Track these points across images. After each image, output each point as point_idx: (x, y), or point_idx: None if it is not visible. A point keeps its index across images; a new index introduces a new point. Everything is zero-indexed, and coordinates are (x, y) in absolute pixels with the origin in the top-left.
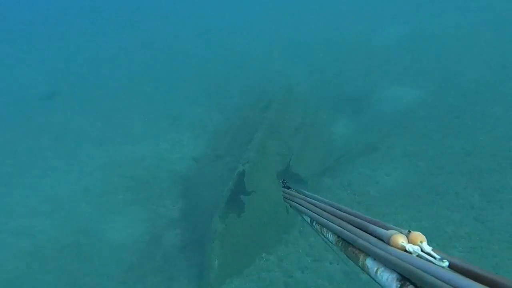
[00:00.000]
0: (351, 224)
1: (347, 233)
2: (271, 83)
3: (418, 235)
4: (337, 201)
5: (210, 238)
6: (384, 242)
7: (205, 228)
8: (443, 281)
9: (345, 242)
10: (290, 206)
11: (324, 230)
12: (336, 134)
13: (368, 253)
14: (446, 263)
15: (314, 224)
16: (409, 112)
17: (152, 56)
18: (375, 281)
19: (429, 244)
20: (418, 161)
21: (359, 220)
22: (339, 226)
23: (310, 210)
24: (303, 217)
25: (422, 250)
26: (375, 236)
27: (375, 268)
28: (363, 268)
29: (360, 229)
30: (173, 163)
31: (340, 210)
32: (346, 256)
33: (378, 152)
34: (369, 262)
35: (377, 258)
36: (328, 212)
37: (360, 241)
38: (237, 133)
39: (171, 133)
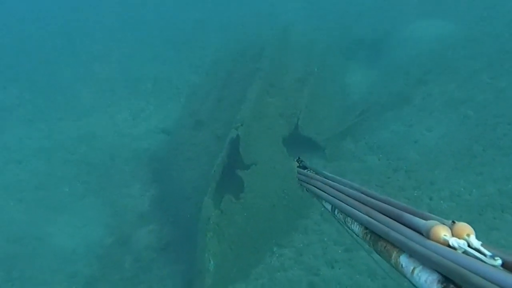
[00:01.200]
0: (382, 213)
1: (377, 223)
2: (259, 26)
3: (464, 227)
4: (367, 170)
5: (201, 231)
6: (423, 235)
7: (191, 219)
8: (495, 283)
9: (375, 235)
10: (307, 191)
11: (349, 220)
12: (352, 86)
13: (402, 249)
14: (499, 262)
15: (336, 212)
16: (446, 51)
17: (97, 3)
18: (411, 282)
19: (477, 237)
20: (466, 110)
21: (391, 208)
22: (367, 215)
23: (331, 196)
24: (322, 204)
25: (469, 246)
26: (411, 228)
27: (411, 267)
28: (396, 267)
29: (393, 219)
30: (136, 139)
31: (368, 195)
32: (376, 252)
33: (411, 103)
34: (403, 260)
35: (413, 254)
36: (353, 198)
37: (393, 233)
38: (222, 92)
39: (130, 100)
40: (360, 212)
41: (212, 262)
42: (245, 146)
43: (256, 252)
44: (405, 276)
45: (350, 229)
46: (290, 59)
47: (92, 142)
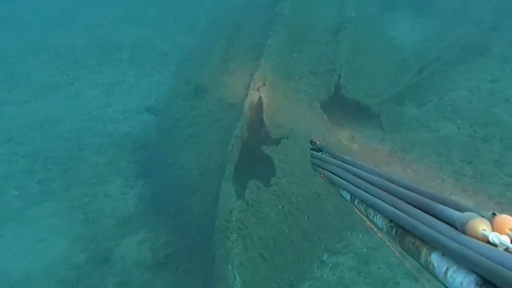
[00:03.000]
0: (410, 203)
1: (404, 216)
2: None
3: (507, 220)
4: (443, 141)
5: (220, 233)
6: (458, 229)
7: (202, 218)
8: None
9: (401, 229)
10: (323, 177)
11: (371, 211)
12: (399, 39)
13: (433, 246)
14: None
15: (356, 202)
16: None
17: None
18: (444, 285)
19: None
20: None
21: (421, 198)
22: (392, 206)
23: (350, 183)
24: (340, 194)
25: None
26: (444, 221)
27: (444, 267)
28: (427, 267)
29: (423, 210)
30: (112, 122)
31: (394, 183)
32: (402, 249)
33: (487, 54)
34: (435, 258)
35: (446, 252)
36: (376, 186)
37: (423, 227)
38: (229, 51)
39: (101, 73)
40: (384, 202)
41: (237, 278)
42: (271, 114)
43: (300, 261)
44: (437, 278)
45: (372, 222)
46: (315, 5)
47: (50, 129)
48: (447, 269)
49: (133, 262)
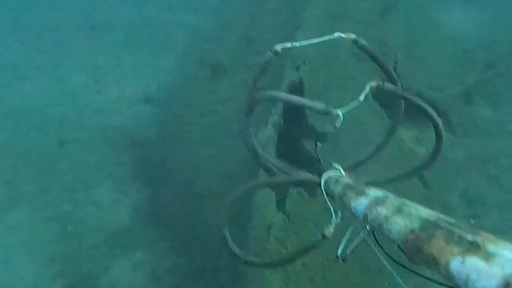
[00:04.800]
0: None
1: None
2: None
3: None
4: None
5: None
6: None
7: (224, 237)
8: None
9: (417, 243)
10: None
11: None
12: (456, 28)
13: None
14: None
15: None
16: None
17: None
18: None
19: None
20: None
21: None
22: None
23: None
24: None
25: None
26: None
27: (464, 275)
28: (448, 277)
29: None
30: (102, 112)
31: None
32: (422, 263)
33: None
34: (454, 268)
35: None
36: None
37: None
38: (251, 28)
39: (91, 56)
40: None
41: None
42: (318, 95)
43: None
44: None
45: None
46: None
47: (24, 119)
48: (467, 277)
49: None
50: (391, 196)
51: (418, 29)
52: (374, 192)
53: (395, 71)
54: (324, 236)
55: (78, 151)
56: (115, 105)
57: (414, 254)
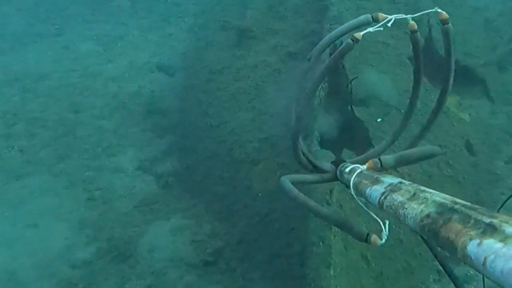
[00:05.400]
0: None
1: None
2: None
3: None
4: None
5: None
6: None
7: (268, 198)
8: None
9: (433, 226)
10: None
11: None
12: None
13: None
14: None
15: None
16: None
17: None
18: (487, 277)
19: None
20: None
21: None
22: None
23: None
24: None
25: None
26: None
27: (482, 258)
28: (465, 261)
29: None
30: (116, 81)
31: None
32: (439, 247)
33: None
34: (471, 250)
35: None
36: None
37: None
38: None
39: (98, 24)
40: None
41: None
42: (354, 68)
43: (411, 270)
44: (478, 271)
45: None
46: None
47: (33, 86)
48: (485, 259)
49: (168, 259)
50: (406, 182)
51: None
52: (389, 179)
53: (430, 35)
54: (367, 240)
55: (95, 117)
56: (128, 73)
57: (431, 238)
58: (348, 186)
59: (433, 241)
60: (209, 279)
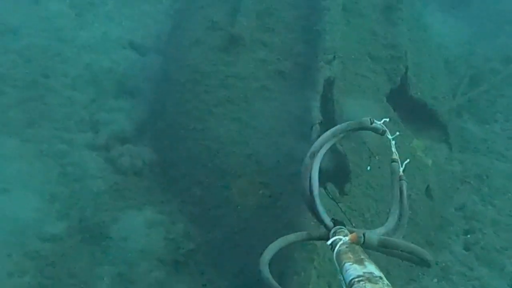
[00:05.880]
0: None
1: None
2: None
3: None
4: None
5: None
6: None
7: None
8: None
9: None
10: None
11: None
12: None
13: None
14: None
15: None
16: None
17: None
18: None
19: None
20: None
21: None
22: None
23: None
24: None
25: None
26: None
27: None
28: None
29: None
30: (88, 51)
31: None
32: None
33: None
34: None
35: None
36: None
37: None
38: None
39: None
40: None
41: None
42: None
43: None
44: None
45: None
46: None
47: (1, 39)
48: None
49: (140, 250)
50: (385, 282)
51: (417, 32)
52: (372, 268)
53: (405, 76)
54: None
55: (67, 87)
56: (101, 45)
57: None
58: (332, 248)
59: None
60: (177, 278)
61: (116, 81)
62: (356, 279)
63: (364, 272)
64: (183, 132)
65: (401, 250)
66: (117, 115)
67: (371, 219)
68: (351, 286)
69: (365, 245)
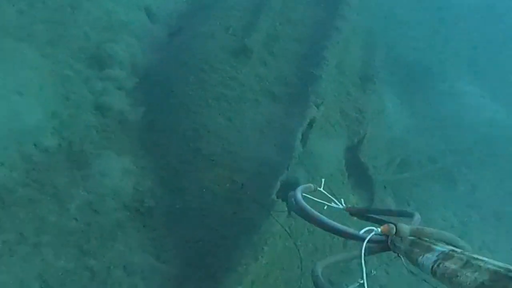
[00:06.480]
0: None
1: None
2: None
3: None
4: None
5: None
6: None
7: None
8: None
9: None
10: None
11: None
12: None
13: None
14: None
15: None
16: None
17: None
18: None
19: None
20: None
21: None
22: None
23: None
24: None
25: None
26: None
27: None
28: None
29: None
30: None
31: None
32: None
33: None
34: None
35: None
36: None
37: None
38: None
39: None
40: None
41: None
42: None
43: None
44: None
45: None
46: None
47: None
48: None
49: (112, 189)
50: (458, 250)
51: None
52: (440, 248)
53: (362, 140)
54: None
55: (86, 23)
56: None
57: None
58: (399, 255)
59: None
60: (133, 224)
61: (127, 31)
62: (435, 266)
63: (437, 256)
64: (178, 107)
65: (434, 239)
66: (123, 57)
67: None
68: (435, 274)
69: (398, 235)
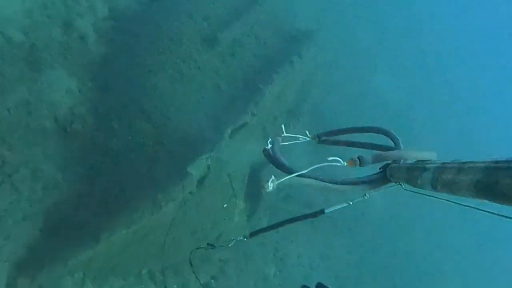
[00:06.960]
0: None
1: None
2: None
3: None
4: None
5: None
6: None
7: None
8: None
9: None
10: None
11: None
12: None
13: None
14: None
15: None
16: None
17: None
18: None
19: None
20: None
21: None
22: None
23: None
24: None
25: None
26: None
27: None
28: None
29: None
30: None
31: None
32: None
33: None
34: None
35: None
36: None
37: None
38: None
39: None
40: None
41: None
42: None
43: None
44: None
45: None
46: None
47: None
48: None
49: (49, 101)
50: (448, 161)
51: None
52: (433, 165)
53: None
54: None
55: None
56: None
57: (488, 194)
58: (400, 183)
59: (490, 195)
60: (57, 139)
61: None
62: (434, 181)
63: (433, 173)
64: (137, 59)
65: (394, 160)
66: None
67: None
68: (437, 188)
69: (362, 165)
